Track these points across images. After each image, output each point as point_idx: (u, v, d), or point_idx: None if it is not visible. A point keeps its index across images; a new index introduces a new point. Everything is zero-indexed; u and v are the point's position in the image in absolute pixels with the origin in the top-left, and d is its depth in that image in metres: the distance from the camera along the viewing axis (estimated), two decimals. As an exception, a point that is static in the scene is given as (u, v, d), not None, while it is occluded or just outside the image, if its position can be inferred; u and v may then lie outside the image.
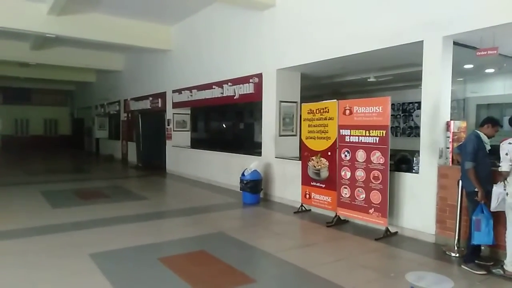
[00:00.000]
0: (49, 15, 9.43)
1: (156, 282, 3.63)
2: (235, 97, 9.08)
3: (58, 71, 18.40)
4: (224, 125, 14.99)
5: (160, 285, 3.57)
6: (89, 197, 7.86)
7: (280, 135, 7.87)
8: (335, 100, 6.02)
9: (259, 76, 8.18)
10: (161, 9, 10.03)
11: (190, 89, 10.89)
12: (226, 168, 9.33)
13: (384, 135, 5.14)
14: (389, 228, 5.22)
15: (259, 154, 8.31)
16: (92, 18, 10.19)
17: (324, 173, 6.21)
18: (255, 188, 7.34)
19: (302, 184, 6.69)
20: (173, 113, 12.02)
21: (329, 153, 6.09)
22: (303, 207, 6.74)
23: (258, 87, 8.27)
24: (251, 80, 8.45)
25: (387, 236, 5.13)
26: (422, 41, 5.10)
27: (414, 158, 5.37)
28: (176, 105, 11.83)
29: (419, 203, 5.11)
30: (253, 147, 10.24)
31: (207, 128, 14.63)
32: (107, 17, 10.38)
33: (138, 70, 14.70)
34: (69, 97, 26.66)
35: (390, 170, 5.18)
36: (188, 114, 12.21)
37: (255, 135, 18.37)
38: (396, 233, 5.27)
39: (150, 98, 13.39)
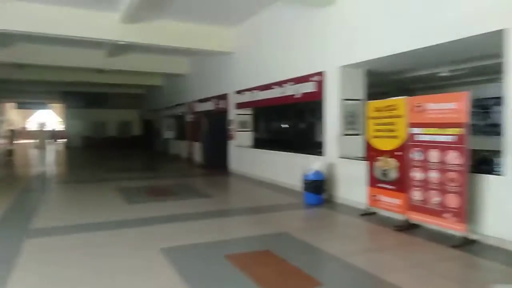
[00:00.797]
0: (121, 24, 10.15)
1: (223, 279, 3.71)
2: (295, 96, 9.02)
3: (130, 76, 19.80)
4: (284, 125, 14.97)
5: (227, 282, 3.64)
6: (160, 194, 8.31)
7: (344, 135, 7.64)
8: (404, 96, 5.69)
9: (321, 74, 8.02)
10: (224, 12, 10.28)
11: (251, 89, 11.04)
12: (288, 168, 9.30)
13: (461, 133, 4.74)
14: (467, 234, 4.79)
15: (321, 154, 8.14)
16: (159, 24, 10.76)
17: (393, 174, 5.90)
18: (318, 188, 7.21)
19: (368, 186, 6.43)
20: (236, 114, 12.27)
21: (398, 153, 5.77)
22: (369, 210, 6.47)
23: (320, 85, 8.11)
24: (312, 79, 8.32)
25: (466, 243, 4.71)
26: (504, 29, 4.60)
27: (496, 159, 4.87)
28: (238, 106, 12.06)
29: (505, 208, 4.63)
30: (314, 147, 10.09)
31: (267, 128, 14.69)
32: (172, 22, 10.89)
33: (202, 73, 15.25)
34: (139, 100, 28.51)
35: (469, 172, 4.76)
36: (250, 114, 12.38)
37: (316, 134, 18.16)
38: (475, 240, 4.83)
39: (214, 100, 13.81)
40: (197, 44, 11.57)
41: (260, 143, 12.18)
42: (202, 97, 14.98)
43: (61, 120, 31.03)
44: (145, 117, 26.60)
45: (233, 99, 12.27)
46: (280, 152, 9.93)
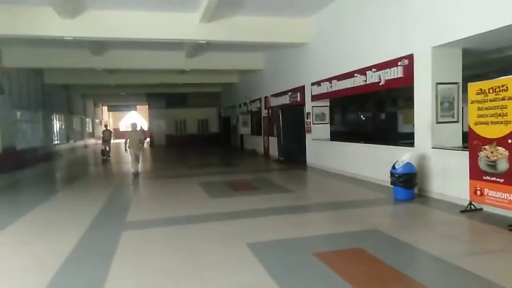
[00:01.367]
0: (201, 23, 10.42)
1: (314, 279, 3.48)
2: (380, 84, 8.39)
3: (207, 75, 20.52)
4: (363, 116, 14.17)
5: (318, 283, 3.41)
6: (240, 189, 8.37)
7: (438, 122, 6.88)
8: (517, 75, 4.87)
9: (410, 57, 7.32)
10: (299, 3, 10.01)
11: (329, 80, 10.59)
12: (372, 161, 8.73)
13: None
14: None
15: (407, 145, 7.47)
16: (235, 21, 10.84)
17: (503, 165, 5.11)
18: (408, 182, 6.60)
19: (470, 179, 5.67)
20: (312, 106, 11.93)
21: (510, 141, 4.97)
22: (472, 206, 5.72)
23: (408, 69, 7.42)
24: (399, 63, 7.64)
25: None
26: None
27: None
28: (315, 97, 11.69)
29: None
30: (396, 138, 9.38)
31: (344, 120, 14.08)
32: (248, 18, 10.89)
33: (277, 67, 15.14)
34: (216, 98, 29.52)
35: None
36: (327, 106, 11.94)
37: (398, 125, 16.96)
38: None
39: (289, 93, 13.61)
40: (273, 38, 11.47)
41: (337, 136, 11.68)
42: (277, 91, 14.88)
43: (146, 120, 33.56)
44: (222, 114, 27.42)
45: (310, 91, 11.93)
46: (363, 144, 9.37)
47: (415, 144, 7.32)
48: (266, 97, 16.60)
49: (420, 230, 5.07)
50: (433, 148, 6.84)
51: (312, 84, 11.69)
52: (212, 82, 22.18)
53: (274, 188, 8.51)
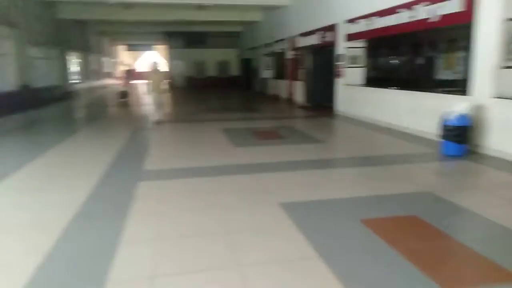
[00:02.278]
0: None
1: (368, 255, 2.86)
2: (430, 20, 7.20)
3: (228, 12, 19.06)
4: (398, 60, 12.88)
5: (375, 261, 2.79)
6: (266, 137, 7.70)
7: (504, 67, 5.82)
8: None
9: (476, -14, 6.08)
10: None
11: (367, 17, 9.34)
12: (413, 110, 7.81)
13: None
14: None
15: (454, 93, 6.50)
16: None
17: None
18: (462, 136, 5.76)
19: (544, 135, 4.79)
20: (345, 47, 10.76)
21: None
22: (540, 167, 4.90)
23: (469, 2, 6.21)
24: (460, -5, 6.41)
25: None
26: None
27: None
28: (349, 37, 10.48)
29: None
30: (436, 86, 8.37)
31: (376, 64, 12.84)
32: None
33: (306, 2, 13.67)
34: (237, 39, 27.99)
35: None
36: (362, 48, 10.75)
37: (437, 71, 15.49)
38: None
39: (319, 32, 12.34)
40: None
41: (370, 82, 10.62)
42: (306, 30, 13.57)
43: (165, 60, 32.55)
44: (243, 56, 26.07)
45: (343, 30, 10.68)
46: (403, 91, 8.38)
47: (471, 92, 6.33)
48: (292, 37, 15.29)
49: (481, 193, 4.33)
50: (494, 97, 5.86)
51: (347, 22, 10.41)
52: (234, 20, 20.70)
53: (302, 138, 7.80)
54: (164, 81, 9.87)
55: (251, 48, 23.53)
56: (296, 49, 14.95)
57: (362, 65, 10.88)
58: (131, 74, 16.47)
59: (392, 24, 8.46)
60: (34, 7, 15.50)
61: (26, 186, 4.74)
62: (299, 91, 14.61)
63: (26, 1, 14.65)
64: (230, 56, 29.34)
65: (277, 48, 17.53)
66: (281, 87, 17.39)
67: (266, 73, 20.56)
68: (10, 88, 13.06)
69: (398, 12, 8.22)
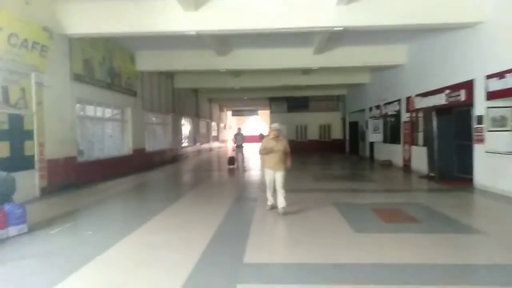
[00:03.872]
0: (338, 6, 8.48)
1: None
2: None
3: (333, 75, 18.46)
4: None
5: None
6: (392, 219, 6.07)
7: None
8: None
9: None
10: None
11: (523, 69, 7.45)
12: None
13: None
14: None
15: None
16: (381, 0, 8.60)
17: None
18: None
19: None
20: (487, 107, 8.79)
21: None
22: None
23: None
24: None
25: None
26: None
27: None
28: (492, 95, 8.54)
29: None
30: None
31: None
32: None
33: (426, 60, 12.17)
34: (340, 102, 27.19)
35: None
36: (509, 107, 8.65)
37: None
38: None
39: (447, 91, 10.55)
40: (434, 18, 8.90)
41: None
42: (426, 89, 11.90)
43: (266, 125, 33.17)
44: (347, 119, 24.86)
45: (483, 87, 8.80)
46: None
47: None
48: (408, 98, 13.66)
49: None
50: None
51: (489, 77, 8.57)
52: (338, 83, 19.99)
53: (445, 223, 5.92)
54: (287, 151, 6.67)
55: (356, 111, 22.28)
56: (414, 110, 13.22)
57: (510, 128, 8.70)
58: (242, 138, 15.38)
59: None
60: (157, 78, 17.02)
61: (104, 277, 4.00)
62: (418, 158, 12.59)
63: (151, 74, 16.15)
64: (332, 119, 28.48)
65: (390, 109, 15.94)
66: (394, 152, 15.46)
67: (374, 136, 18.83)
68: (127, 152, 13.90)
69: None
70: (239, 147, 14.81)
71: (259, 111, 37.61)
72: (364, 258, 4.29)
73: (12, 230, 5.13)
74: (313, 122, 28.57)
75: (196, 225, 5.97)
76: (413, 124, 13.52)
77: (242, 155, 14.81)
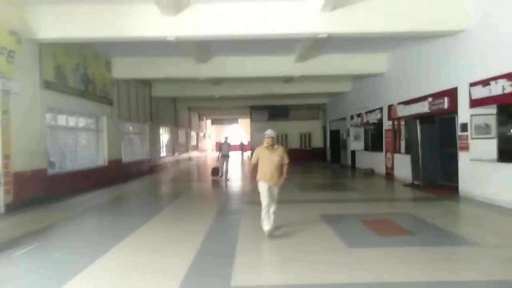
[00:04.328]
0: (322, 12, 8.32)
1: None
2: None
3: (314, 84, 18.41)
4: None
5: None
6: (384, 231, 5.81)
7: None
8: None
9: None
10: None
11: (507, 76, 7.43)
12: None
13: None
14: None
15: None
16: (367, 7, 8.48)
17: None
18: None
19: None
20: (471, 115, 8.77)
21: None
22: None
23: None
24: None
25: None
26: None
27: None
28: (475, 103, 8.52)
29: None
30: None
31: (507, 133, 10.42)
32: (382, 2, 8.47)
33: (408, 68, 12.20)
34: (321, 110, 27.24)
35: None
36: (492, 114, 8.66)
37: None
38: None
39: (430, 99, 10.55)
40: (417, 25, 8.84)
41: (507, 155, 8.28)
42: (409, 97, 11.90)
43: (247, 134, 32.86)
44: (328, 127, 24.87)
45: (467, 95, 8.78)
46: None
47: None
48: (390, 106, 13.67)
49: None
50: None
51: (472, 84, 8.56)
52: (319, 91, 19.95)
53: (439, 235, 5.69)
54: (285, 162, 5.81)
55: (337, 120, 22.31)
56: (396, 118, 13.22)
57: (493, 136, 8.70)
58: (228, 147, 14.46)
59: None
60: (134, 86, 16.43)
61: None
62: (401, 166, 12.54)
63: (128, 82, 15.56)
64: (313, 128, 28.49)
65: (371, 118, 15.93)
66: (376, 161, 15.42)
67: (356, 145, 18.83)
68: (102, 163, 13.24)
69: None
70: (224, 157, 14.03)
71: (239, 120, 37.32)
72: (362, 277, 3.98)
73: (-32, 255, 4.55)
74: (293, 131, 28.46)
75: (178, 242, 5.53)
76: (395, 132, 13.51)
77: (227, 165, 14.07)
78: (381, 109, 14.76)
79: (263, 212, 5.61)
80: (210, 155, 36.49)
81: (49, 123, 10.13)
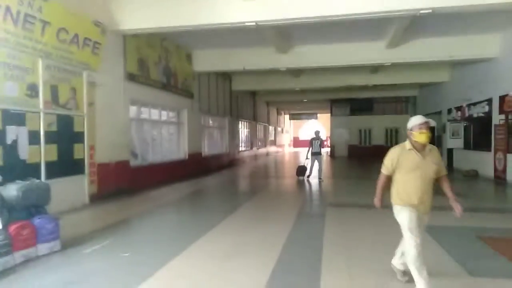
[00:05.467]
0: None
1: None
2: None
3: (406, 73, 16.59)
4: None
5: None
6: (516, 254, 4.47)
7: None
8: None
9: None
10: None
11: None
12: None
13: None
14: None
15: None
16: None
17: None
18: None
19: None
20: None
21: None
22: None
23: None
24: None
25: None
26: None
27: None
28: None
29: None
30: None
31: None
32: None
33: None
34: (410, 104, 24.81)
35: None
36: None
37: None
38: None
39: None
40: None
41: None
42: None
43: (327, 129, 31.48)
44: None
45: None
46: None
47: None
48: (503, 97, 11.48)
49: None
50: None
51: None
52: (410, 82, 17.95)
53: None
54: (444, 173, 3.60)
55: (430, 114, 19.91)
56: (509, 112, 11.05)
57: None
58: (320, 143, 12.34)
59: None
60: (214, 80, 16.40)
61: None
62: (518, 169, 10.44)
63: (209, 75, 15.55)
64: (400, 122, 25.99)
65: (476, 111, 13.71)
66: (481, 161, 13.21)
67: (453, 142, 16.55)
68: (183, 156, 13.33)
69: None
70: (316, 155, 12.14)
71: (318, 115, 36.00)
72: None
73: (42, 248, 4.41)
74: (378, 126, 26.37)
75: (253, 248, 4.88)
76: (509, 127, 11.31)
77: (321, 164, 12.21)
78: (489, 100, 12.54)
79: (412, 257, 3.36)
80: (287, 150, 35.87)
81: (132, 115, 10.31)
